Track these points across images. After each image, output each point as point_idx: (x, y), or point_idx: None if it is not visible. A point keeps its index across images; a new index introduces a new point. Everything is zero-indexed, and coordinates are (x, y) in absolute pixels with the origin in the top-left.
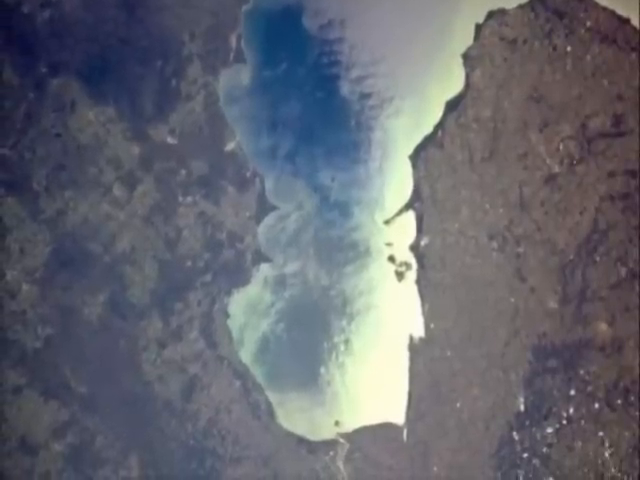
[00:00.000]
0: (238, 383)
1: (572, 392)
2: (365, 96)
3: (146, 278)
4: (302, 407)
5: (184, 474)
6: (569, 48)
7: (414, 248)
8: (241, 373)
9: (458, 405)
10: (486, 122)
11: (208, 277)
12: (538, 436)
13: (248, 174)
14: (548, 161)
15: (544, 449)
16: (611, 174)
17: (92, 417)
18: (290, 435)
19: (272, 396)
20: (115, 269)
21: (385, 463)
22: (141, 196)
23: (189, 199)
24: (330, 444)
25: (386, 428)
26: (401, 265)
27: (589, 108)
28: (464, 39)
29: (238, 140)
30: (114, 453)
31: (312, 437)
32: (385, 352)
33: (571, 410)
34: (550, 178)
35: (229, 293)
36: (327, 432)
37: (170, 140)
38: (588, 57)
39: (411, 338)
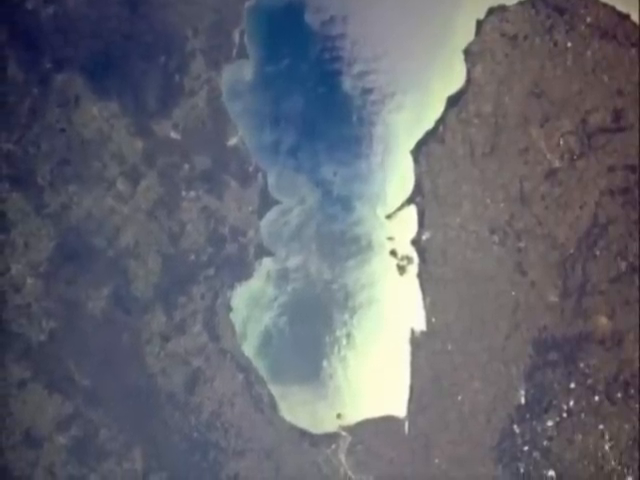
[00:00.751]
0: (241, 376)
1: (572, 385)
2: (367, 91)
3: (150, 272)
4: (304, 400)
5: (187, 467)
6: (569, 44)
7: (416, 242)
8: (244, 366)
9: (459, 398)
10: (487, 117)
11: (211, 271)
12: (539, 429)
13: (251, 169)
14: (549, 156)
15: (544, 442)
16: (611, 169)
17: (96, 410)
18: (292, 428)
19: (275, 389)
20: (119, 263)
21: (387, 456)
22: (145, 191)
23: (192, 194)
24: (332, 437)
25: (388, 421)
26: (403, 259)
27: (589, 103)
28: (465, 35)
29: (241, 135)
30: (118, 446)
31: (314, 430)
32: (387, 346)
33: (571, 403)
34: (550, 173)
35: (232, 287)
36: (329, 425)
37: (173, 135)
38: (588, 53)
39: (412, 332)
